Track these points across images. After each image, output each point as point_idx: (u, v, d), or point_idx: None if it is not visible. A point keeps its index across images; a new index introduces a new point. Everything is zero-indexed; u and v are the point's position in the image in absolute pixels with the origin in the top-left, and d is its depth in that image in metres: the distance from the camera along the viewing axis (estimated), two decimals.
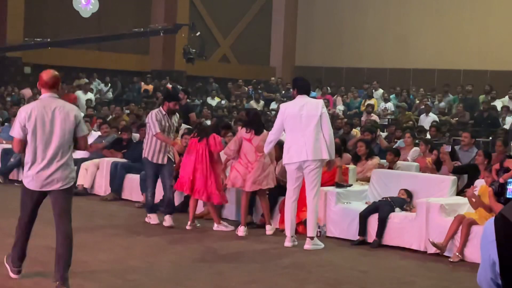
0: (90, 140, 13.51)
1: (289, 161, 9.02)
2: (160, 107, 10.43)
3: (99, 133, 13.77)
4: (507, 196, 2.96)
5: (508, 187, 2.97)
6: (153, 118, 10.18)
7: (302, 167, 8.98)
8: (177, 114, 10.66)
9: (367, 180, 10.68)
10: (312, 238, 9.06)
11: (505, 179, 3.08)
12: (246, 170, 9.78)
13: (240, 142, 9.94)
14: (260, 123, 10.26)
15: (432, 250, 8.89)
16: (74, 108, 6.73)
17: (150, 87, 24.13)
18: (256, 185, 9.76)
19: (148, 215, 10.38)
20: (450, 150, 10.73)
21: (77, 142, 6.63)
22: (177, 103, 10.40)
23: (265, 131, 9.93)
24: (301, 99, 9.09)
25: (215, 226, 10.07)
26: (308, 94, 9.35)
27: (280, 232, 9.80)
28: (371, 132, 13.02)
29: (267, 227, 9.90)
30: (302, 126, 8.93)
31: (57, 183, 6.60)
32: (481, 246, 2.60)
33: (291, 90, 23.07)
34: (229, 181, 10.01)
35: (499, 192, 3.00)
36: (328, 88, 23.35)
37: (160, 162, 10.19)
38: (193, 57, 16.84)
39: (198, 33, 20.82)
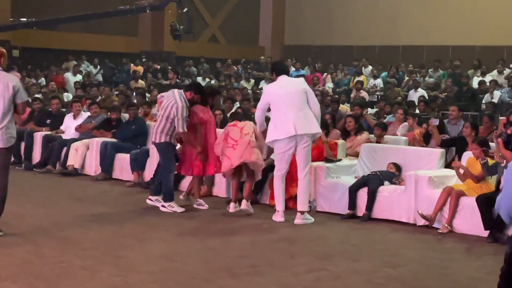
0: (80, 120, 13.49)
1: (278, 137, 9.03)
2: (183, 93, 9.83)
3: (88, 113, 13.72)
4: None
5: None
6: (180, 111, 9.56)
7: (291, 143, 8.99)
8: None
9: (356, 155, 10.71)
10: (302, 212, 9.10)
11: None
12: (232, 149, 9.60)
13: (227, 132, 9.76)
14: (241, 115, 10.26)
15: (421, 222, 8.94)
16: (14, 78, 8.00)
17: (140, 68, 24.06)
18: (242, 158, 9.49)
19: (170, 203, 9.73)
20: (438, 123, 10.76)
21: (16, 107, 7.87)
22: (201, 97, 9.95)
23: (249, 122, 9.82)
24: (283, 79, 9.27)
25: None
26: (287, 74, 9.55)
27: (270, 208, 9.82)
28: (360, 106, 13.04)
29: (243, 202, 9.59)
30: (288, 103, 9.01)
31: None
32: (505, 181, 3.31)
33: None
34: (223, 169, 9.76)
35: (506, 141, 3.60)
36: (316, 66, 23.31)
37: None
38: (180, 34, 16.71)
39: (186, 10, 20.64)
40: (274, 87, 9.31)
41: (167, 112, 9.69)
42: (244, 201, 9.59)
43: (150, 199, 9.92)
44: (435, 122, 10.65)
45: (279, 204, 9.20)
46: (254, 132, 9.62)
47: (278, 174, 9.20)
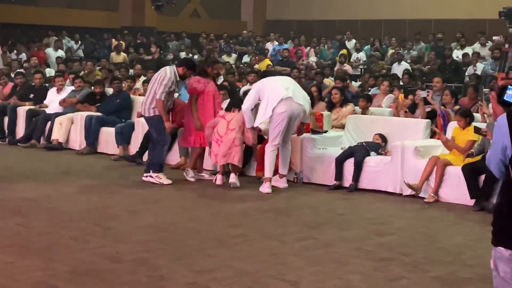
0: (63, 95, 13.41)
1: (273, 104, 9.23)
2: (175, 69, 9.82)
3: (72, 87, 13.64)
4: (504, 98, 3.46)
5: (507, 91, 3.47)
6: (167, 85, 9.61)
7: (288, 107, 9.24)
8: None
9: (342, 127, 10.76)
10: (282, 176, 9.50)
11: (505, 83, 3.55)
12: (217, 145, 9.55)
13: (217, 121, 9.70)
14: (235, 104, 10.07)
15: (407, 192, 9.02)
16: None
17: (123, 43, 23.87)
18: (225, 158, 9.46)
19: (158, 174, 9.73)
20: (425, 95, 10.77)
21: None
22: (192, 73, 9.91)
23: (238, 111, 9.63)
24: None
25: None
26: None
27: (257, 179, 9.86)
28: (342, 80, 13.09)
29: (231, 175, 9.55)
30: (279, 81, 9.61)
31: None
32: (494, 135, 3.40)
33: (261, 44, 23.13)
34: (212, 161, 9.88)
35: (498, 94, 3.50)
36: (299, 39, 23.30)
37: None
38: (161, 4, 16.50)
39: None
40: (263, 80, 9.77)
41: (155, 86, 9.67)
42: (232, 174, 9.58)
43: (145, 176, 9.85)
44: (422, 94, 10.69)
45: (269, 174, 9.30)
46: (243, 126, 9.52)
47: (272, 149, 9.36)
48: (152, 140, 10.08)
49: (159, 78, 9.71)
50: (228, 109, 9.84)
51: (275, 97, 9.24)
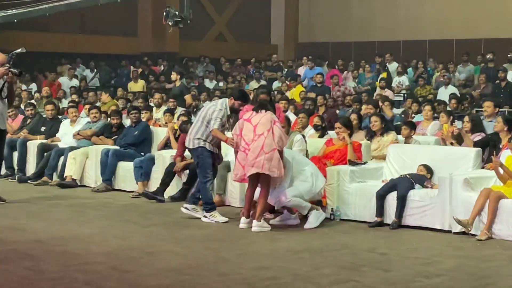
0: (77, 127, 13.56)
1: None
2: (227, 101, 10.01)
3: (87, 119, 13.79)
4: None
5: None
6: (221, 114, 9.80)
7: None
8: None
9: (383, 158, 10.72)
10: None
11: None
12: (244, 155, 9.38)
13: (242, 125, 9.55)
14: (263, 104, 10.04)
15: (457, 228, 8.93)
16: None
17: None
18: (255, 167, 9.17)
19: (212, 213, 9.83)
20: (460, 126, 10.76)
21: None
22: (242, 105, 10.01)
23: (265, 111, 9.48)
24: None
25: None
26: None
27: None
28: (374, 106, 13.09)
29: (254, 222, 9.28)
30: None
31: None
32: None
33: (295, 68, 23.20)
34: (235, 177, 9.68)
35: None
36: (337, 64, 23.38)
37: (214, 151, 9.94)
38: (180, 20, 16.53)
39: None
40: None
41: (203, 114, 9.87)
42: (254, 222, 9.29)
43: (186, 208, 9.96)
44: (458, 124, 10.69)
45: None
46: (272, 130, 9.30)
47: None
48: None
49: (210, 110, 9.86)
50: (256, 109, 9.59)
51: None
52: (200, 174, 9.93)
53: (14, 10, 15.46)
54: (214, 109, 9.83)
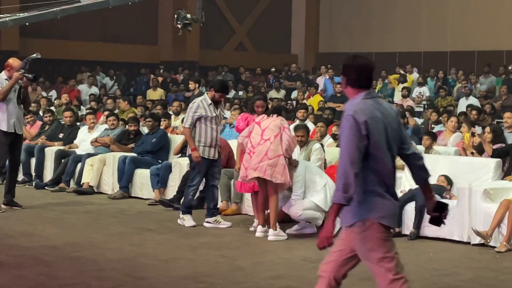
0: (95, 134, 13.57)
1: None
2: (205, 95, 10.17)
3: (105, 126, 13.80)
4: None
5: None
6: (191, 110, 9.94)
7: None
8: (223, 103, 10.49)
9: (402, 168, 10.60)
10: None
11: None
12: (249, 157, 9.28)
13: (252, 128, 9.46)
14: (277, 109, 9.97)
15: (476, 240, 8.85)
16: None
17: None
18: (257, 172, 9.07)
19: (183, 216, 10.02)
20: (480, 132, 10.70)
21: None
22: (223, 96, 10.09)
23: (277, 116, 9.41)
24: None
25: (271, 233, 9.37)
26: None
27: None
28: (402, 116, 12.98)
29: (270, 231, 9.21)
30: None
31: None
32: None
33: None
34: (239, 179, 9.60)
35: None
36: None
37: (211, 157, 9.95)
38: (189, 23, 16.44)
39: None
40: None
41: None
42: (270, 231, 9.23)
43: (208, 222, 10.03)
44: (478, 130, 10.63)
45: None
46: (281, 136, 9.21)
47: None
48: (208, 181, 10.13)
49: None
50: (268, 113, 9.52)
51: None
52: (190, 177, 10.09)
53: (25, 13, 15.41)
54: (191, 105, 10.02)
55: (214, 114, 9.96)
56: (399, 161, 10.85)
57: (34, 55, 11.86)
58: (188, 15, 16.59)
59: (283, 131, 9.23)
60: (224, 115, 10.34)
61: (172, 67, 26.20)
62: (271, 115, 9.45)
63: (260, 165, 9.07)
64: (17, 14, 14.72)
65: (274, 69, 25.48)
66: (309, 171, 9.48)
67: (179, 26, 16.69)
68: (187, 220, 9.95)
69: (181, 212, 10.08)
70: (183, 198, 10.25)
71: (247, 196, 10.76)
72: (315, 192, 9.36)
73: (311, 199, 9.33)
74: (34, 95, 19.83)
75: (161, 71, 24.88)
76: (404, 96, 18.55)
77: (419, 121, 15.54)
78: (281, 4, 30.81)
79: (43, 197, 12.42)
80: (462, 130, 12.05)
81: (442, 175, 9.78)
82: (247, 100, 19.39)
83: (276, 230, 9.21)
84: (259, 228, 9.39)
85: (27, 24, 19.45)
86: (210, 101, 9.94)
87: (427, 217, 9.09)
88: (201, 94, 16.81)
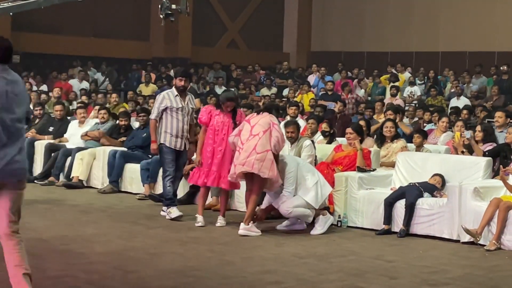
0: (86, 128, 13.52)
1: None
2: (173, 87, 10.44)
3: (96, 120, 13.75)
4: None
5: None
6: (157, 101, 10.30)
7: None
8: (193, 96, 10.57)
9: (392, 165, 10.63)
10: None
11: None
12: (238, 154, 9.22)
13: (242, 127, 9.43)
14: (268, 108, 9.96)
15: (465, 238, 8.83)
16: None
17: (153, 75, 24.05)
18: (245, 166, 9.04)
19: (165, 208, 10.17)
20: (468, 136, 10.76)
21: None
22: (182, 79, 10.26)
23: (268, 114, 9.40)
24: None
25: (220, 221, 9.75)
26: None
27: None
28: (395, 112, 13.01)
29: (241, 224, 9.16)
30: None
31: None
32: None
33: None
34: (229, 177, 9.47)
35: None
36: (352, 73, 23.44)
37: (178, 148, 10.17)
38: (171, 13, 16.24)
39: None
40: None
41: None
42: (242, 224, 9.17)
43: (163, 210, 10.25)
44: (467, 134, 10.69)
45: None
46: (270, 132, 9.18)
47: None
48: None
49: None
50: (258, 111, 9.55)
51: None
52: (162, 169, 10.39)
53: (9, 3, 15.28)
54: (156, 98, 10.48)
55: (180, 105, 10.17)
56: (389, 158, 10.96)
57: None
58: (173, 6, 16.45)
59: (273, 127, 9.20)
60: (192, 106, 10.31)
61: (164, 64, 26.13)
62: (261, 113, 9.42)
63: (248, 159, 9.05)
64: (0, 4, 14.55)
65: (259, 67, 25.46)
66: (301, 168, 9.44)
67: (162, 16, 16.51)
68: (173, 213, 10.01)
69: (165, 206, 10.16)
70: (162, 191, 10.44)
71: (237, 192, 10.73)
72: (306, 189, 9.32)
73: (302, 196, 9.29)
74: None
75: (147, 67, 24.80)
76: (393, 95, 18.53)
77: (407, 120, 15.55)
78: (274, 2, 30.81)
79: (32, 191, 12.28)
80: (454, 128, 12.04)
81: (438, 175, 9.71)
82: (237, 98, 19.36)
83: (248, 225, 9.15)
84: (242, 225, 9.24)
85: (10, 14, 19.27)
86: (176, 93, 10.18)
87: (417, 214, 9.20)
88: (193, 90, 16.88)
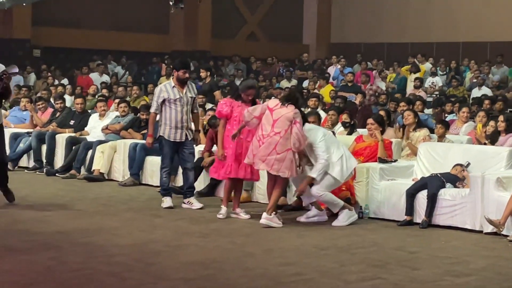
0: (106, 121, 13.53)
1: None
2: (171, 79, 10.41)
3: (116, 113, 13.76)
4: None
5: None
6: (155, 95, 10.34)
7: None
8: (192, 85, 10.47)
9: (415, 152, 10.54)
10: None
11: None
12: (258, 144, 9.18)
13: (264, 111, 9.30)
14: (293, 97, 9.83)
15: (488, 229, 8.76)
16: None
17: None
18: (265, 164, 9.08)
19: (186, 200, 10.35)
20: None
21: None
22: (186, 72, 10.21)
23: (293, 106, 9.21)
24: None
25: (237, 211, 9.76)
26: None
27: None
28: (407, 103, 12.96)
29: (264, 214, 9.12)
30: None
31: None
32: None
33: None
34: (246, 159, 9.43)
35: None
36: (372, 63, 23.34)
37: (178, 139, 10.19)
38: (180, 0, 16.02)
39: None
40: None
41: None
42: (264, 214, 9.14)
43: (183, 203, 10.36)
44: None
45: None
46: (291, 130, 9.07)
47: None
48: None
49: None
50: (283, 101, 9.31)
51: None
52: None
53: None
54: (154, 92, 10.49)
55: (178, 96, 10.15)
56: (412, 148, 10.87)
57: (13, 70, 11.71)
58: None
59: (294, 124, 9.09)
60: (191, 95, 10.26)
61: (183, 57, 26.10)
62: (285, 104, 9.27)
63: (268, 158, 9.05)
64: None
65: (276, 60, 25.45)
66: (327, 139, 9.32)
67: (171, 3, 16.35)
68: (165, 202, 10.23)
69: (162, 196, 10.39)
70: (182, 183, 10.65)
71: (258, 184, 10.69)
72: (331, 164, 9.21)
73: (328, 172, 9.19)
74: (40, 83, 19.85)
75: (165, 61, 24.80)
76: (416, 87, 18.43)
77: (431, 111, 15.46)
78: None
79: (53, 184, 12.39)
80: (477, 119, 11.96)
81: (460, 165, 9.59)
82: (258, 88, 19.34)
83: (270, 215, 9.11)
84: (264, 214, 9.18)
85: (24, 4, 19.21)
86: (174, 84, 10.17)
87: (439, 205, 9.13)
88: (214, 82, 16.80)
